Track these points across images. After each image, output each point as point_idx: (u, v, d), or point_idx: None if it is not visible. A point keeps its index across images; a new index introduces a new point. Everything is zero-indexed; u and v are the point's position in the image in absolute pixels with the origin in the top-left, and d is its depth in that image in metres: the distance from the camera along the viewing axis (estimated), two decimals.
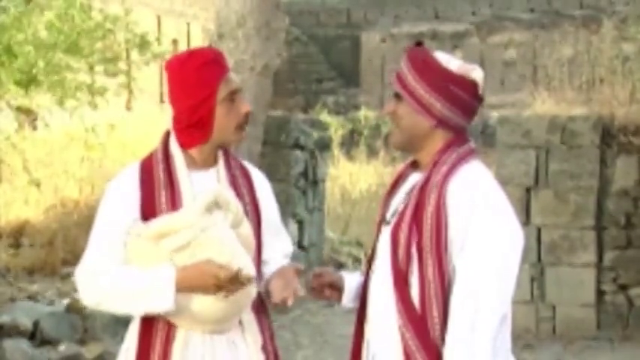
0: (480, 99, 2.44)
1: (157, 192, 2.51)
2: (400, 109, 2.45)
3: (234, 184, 2.59)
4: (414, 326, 2.37)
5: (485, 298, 2.31)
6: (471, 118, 2.46)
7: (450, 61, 2.42)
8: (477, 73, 2.42)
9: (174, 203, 2.49)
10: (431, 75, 2.40)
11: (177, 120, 2.57)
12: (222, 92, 2.52)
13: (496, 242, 2.33)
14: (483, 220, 2.33)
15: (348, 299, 2.63)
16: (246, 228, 2.54)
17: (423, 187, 2.39)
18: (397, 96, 2.47)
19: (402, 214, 2.42)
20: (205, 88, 2.51)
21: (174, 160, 2.55)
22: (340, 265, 10.45)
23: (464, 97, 2.41)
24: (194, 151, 2.57)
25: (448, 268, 2.36)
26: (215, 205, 2.45)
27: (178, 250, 2.41)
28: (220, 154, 2.62)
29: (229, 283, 2.37)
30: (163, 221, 2.44)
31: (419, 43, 2.51)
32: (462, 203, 2.34)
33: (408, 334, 2.37)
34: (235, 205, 2.51)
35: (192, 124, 2.52)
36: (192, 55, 2.58)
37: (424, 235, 2.36)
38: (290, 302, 2.49)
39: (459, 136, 2.44)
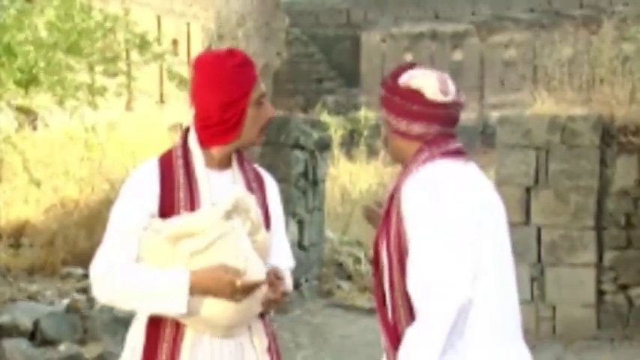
0: (432, 103, 2.47)
1: (176, 189, 2.50)
2: (384, 132, 2.60)
3: (249, 188, 2.59)
4: (388, 332, 2.44)
5: (435, 287, 2.30)
6: (435, 123, 2.49)
7: (406, 77, 2.51)
8: (418, 81, 2.48)
9: (193, 202, 2.49)
10: (387, 95, 2.54)
11: (202, 117, 2.53)
12: (254, 95, 2.53)
13: (434, 233, 2.33)
14: (423, 214, 2.35)
15: None
16: (263, 235, 2.53)
17: (390, 197, 2.47)
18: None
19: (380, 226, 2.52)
20: (241, 87, 2.51)
21: (194, 158, 2.54)
22: (340, 265, 10.44)
23: (409, 107, 2.48)
24: (214, 150, 2.56)
25: None
26: (234, 211, 2.44)
27: (195, 254, 2.40)
28: (234, 156, 2.61)
29: (244, 291, 2.39)
30: (182, 222, 2.43)
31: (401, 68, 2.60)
32: (411, 204, 2.38)
33: (384, 338, 2.45)
34: (255, 212, 2.50)
35: (221, 122, 2.51)
36: (230, 53, 2.56)
37: (392, 242, 2.41)
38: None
39: (433, 142, 2.48)
